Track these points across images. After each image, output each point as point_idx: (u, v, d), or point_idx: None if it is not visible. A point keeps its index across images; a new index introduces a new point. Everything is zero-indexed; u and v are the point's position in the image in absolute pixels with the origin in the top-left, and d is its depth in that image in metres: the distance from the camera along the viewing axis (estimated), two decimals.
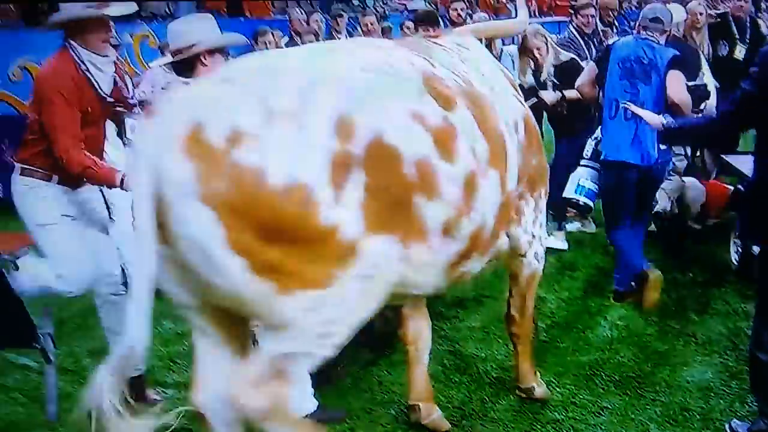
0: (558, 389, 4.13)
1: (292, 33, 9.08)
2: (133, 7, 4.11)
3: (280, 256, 2.42)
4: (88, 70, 3.81)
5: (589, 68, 5.71)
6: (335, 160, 2.46)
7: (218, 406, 2.69)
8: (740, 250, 5.51)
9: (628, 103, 3.49)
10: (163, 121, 2.48)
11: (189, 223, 2.38)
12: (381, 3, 17.19)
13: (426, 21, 6.50)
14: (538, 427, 3.81)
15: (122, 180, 3.70)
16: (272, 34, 8.36)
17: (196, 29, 3.75)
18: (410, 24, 8.53)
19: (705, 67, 6.48)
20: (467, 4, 8.72)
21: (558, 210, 6.23)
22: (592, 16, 7.23)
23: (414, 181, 2.69)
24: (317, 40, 8.04)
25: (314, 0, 17.01)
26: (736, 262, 5.62)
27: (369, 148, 2.54)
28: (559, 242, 6.31)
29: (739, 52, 7.35)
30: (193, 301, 2.66)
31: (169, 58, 3.88)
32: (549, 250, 4.30)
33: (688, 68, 5.56)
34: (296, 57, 2.86)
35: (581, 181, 5.43)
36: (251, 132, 2.38)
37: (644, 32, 5.19)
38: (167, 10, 13.48)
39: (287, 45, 8.83)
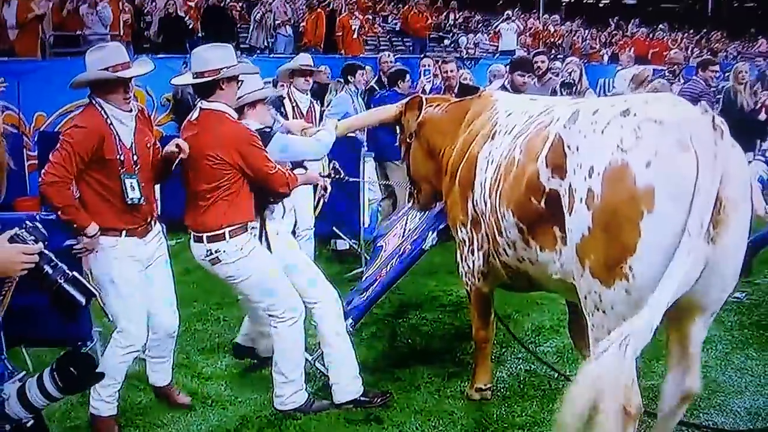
0: None
1: (380, 73, 9.48)
2: (150, 66, 4.21)
3: None
4: (112, 123, 3.99)
5: None
6: None
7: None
8: None
9: None
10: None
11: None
12: (472, 45, 17.73)
13: (521, 67, 7.23)
14: None
15: (97, 230, 3.90)
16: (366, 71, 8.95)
17: (221, 57, 4.05)
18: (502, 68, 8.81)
19: None
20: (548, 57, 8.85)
21: None
22: (718, 72, 7.81)
23: None
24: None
25: (407, 43, 17.76)
26: None
27: None
28: None
29: None
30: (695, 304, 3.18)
31: (189, 79, 4.12)
32: None
33: None
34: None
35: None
36: None
37: None
38: (266, 43, 14.60)
39: (375, 83, 9.31)
